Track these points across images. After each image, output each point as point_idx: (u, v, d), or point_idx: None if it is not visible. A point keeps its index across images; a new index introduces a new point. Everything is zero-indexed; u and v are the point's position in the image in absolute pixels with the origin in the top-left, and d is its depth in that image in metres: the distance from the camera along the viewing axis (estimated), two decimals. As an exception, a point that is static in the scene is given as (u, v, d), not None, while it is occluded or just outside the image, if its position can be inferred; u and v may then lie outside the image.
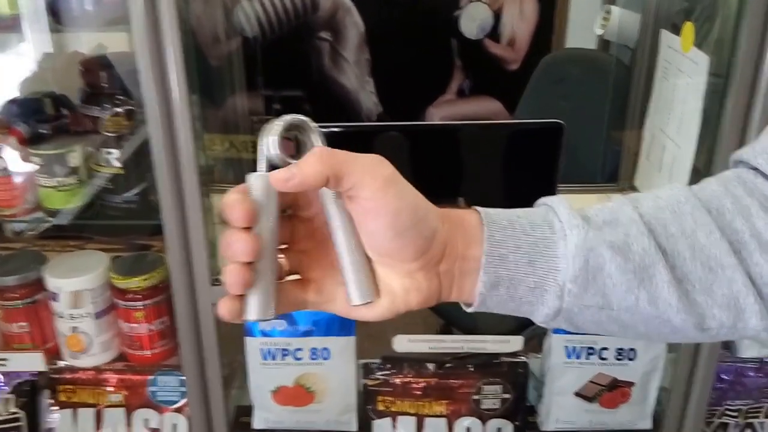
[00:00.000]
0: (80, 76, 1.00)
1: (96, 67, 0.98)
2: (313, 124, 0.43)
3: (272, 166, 0.42)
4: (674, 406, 1.08)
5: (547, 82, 1.69)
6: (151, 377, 1.11)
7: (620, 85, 1.64)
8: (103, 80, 0.96)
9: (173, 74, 0.86)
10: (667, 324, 0.45)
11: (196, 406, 1.07)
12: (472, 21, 1.57)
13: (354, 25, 1.62)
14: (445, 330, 1.78)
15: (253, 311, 0.42)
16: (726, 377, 1.08)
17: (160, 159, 0.90)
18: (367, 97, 1.71)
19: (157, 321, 1.04)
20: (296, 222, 0.46)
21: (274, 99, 1.65)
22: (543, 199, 0.48)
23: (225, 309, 0.42)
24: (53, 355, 1.06)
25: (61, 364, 1.07)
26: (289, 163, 0.42)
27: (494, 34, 1.70)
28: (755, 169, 0.48)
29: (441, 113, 1.78)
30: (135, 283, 1.01)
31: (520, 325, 1.61)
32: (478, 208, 0.46)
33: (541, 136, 0.92)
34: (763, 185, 0.46)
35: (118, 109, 0.92)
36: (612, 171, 1.41)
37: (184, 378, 1.09)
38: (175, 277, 0.98)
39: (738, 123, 0.90)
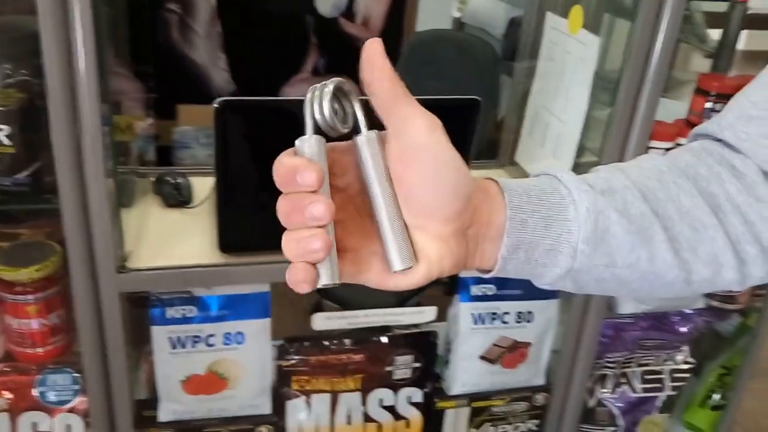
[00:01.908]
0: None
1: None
2: (352, 89, 0.43)
3: (318, 130, 0.41)
4: (565, 362, 1.17)
5: (415, 62, 1.74)
6: (38, 377, 1.01)
7: (489, 66, 1.73)
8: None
9: (80, 39, 0.77)
10: (660, 280, 0.50)
11: (97, 405, 0.99)
12: (328, -1, 1.56)
13: (204, -4, 1.55)
14: (318, 306, 1.79)
15: (326, 276, 0.40)
16: (607, 332, 1.20)
17: (60, 136, 0.82)
18: (219, 74, 1.65)
19: (51, 315, 0.94)
20: (331, 192, 0.44)
21: (124, 76, 1.55)
22: (543, 170, 0.50)
23: (303, 277, 0.40)
24: (-73, 360, 0.93)
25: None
26: (337, 127, 0.41)
27: (349, 13, 1.71)
28: (719, 141, 0.53)
29: (296, 92, 1.77)
30: (26, 274, 0.91)
31: (400, 299, 1.66)
32: (494, 177, 0.47)
33: (457, 113, 0.95)
34: (730, 155, 0.52)
35: (10, 80, 0.82)
36: (489, 148, 1.48)
37: (77, 375, 1.01)
38: (75, 266, 0.90)
39: (629, 103, 0.99)
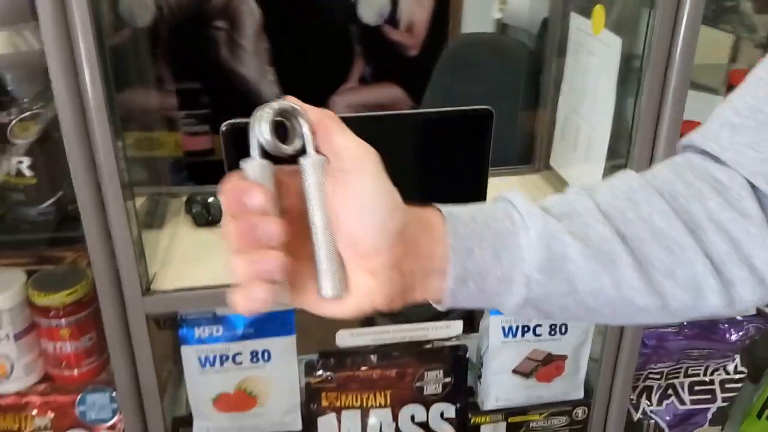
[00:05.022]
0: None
1: (-3, 70, 0.91)
2: (301, 109, 0.42)
3: (264, 152, 0.41)
4: (604, 374, 1.13)
5: (452, 67, 1.72)
6: (79, 396, 1.05)
7: (526, 68, 1.69)
8: (7, 84, 0.89)
9: (86, 69, 0.80)
10: (631, 305, 0.46)
11: (131, 423, 1.02)
12: (370, 7, 1.57)
13: (250, 12, 1.58)
14: (369, 320, 1.78)
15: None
16: (649, 342, 1.15)
17: (77, 164, 0.84)
18: (269, 87, 1.68)
19: (84, 338, 0.98)
20: None
21: (173, 93, 1.59)
22: (499, 195, 0.48)
23: (262, 296, 0.40)
24: (-29, 383, 0.98)
25: (-19, 392, 0.99)
26: (281, 149, 0.41)
27: (393, 19, 1.70)
28: (704, 153, 0.49)
29: (344, 101, 1.77)
30: (58, 299, 0.95)
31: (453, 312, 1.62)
32: (438, 206, 0.46)
33: (470, 124, 0.94)
34: (712, 168, 0.48)
35: (26, 114, 0.86)
36: (524, 153, 1.45)
37: (115, 395, 1.04)
38: (102, 290, 0.92)
39: (653, 104, 0.95)
